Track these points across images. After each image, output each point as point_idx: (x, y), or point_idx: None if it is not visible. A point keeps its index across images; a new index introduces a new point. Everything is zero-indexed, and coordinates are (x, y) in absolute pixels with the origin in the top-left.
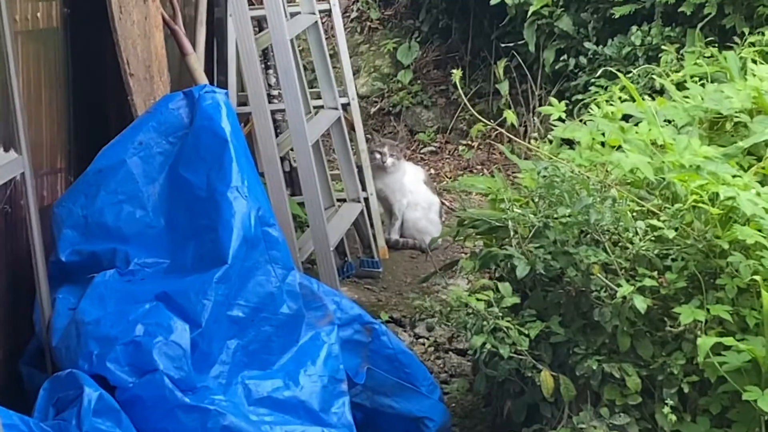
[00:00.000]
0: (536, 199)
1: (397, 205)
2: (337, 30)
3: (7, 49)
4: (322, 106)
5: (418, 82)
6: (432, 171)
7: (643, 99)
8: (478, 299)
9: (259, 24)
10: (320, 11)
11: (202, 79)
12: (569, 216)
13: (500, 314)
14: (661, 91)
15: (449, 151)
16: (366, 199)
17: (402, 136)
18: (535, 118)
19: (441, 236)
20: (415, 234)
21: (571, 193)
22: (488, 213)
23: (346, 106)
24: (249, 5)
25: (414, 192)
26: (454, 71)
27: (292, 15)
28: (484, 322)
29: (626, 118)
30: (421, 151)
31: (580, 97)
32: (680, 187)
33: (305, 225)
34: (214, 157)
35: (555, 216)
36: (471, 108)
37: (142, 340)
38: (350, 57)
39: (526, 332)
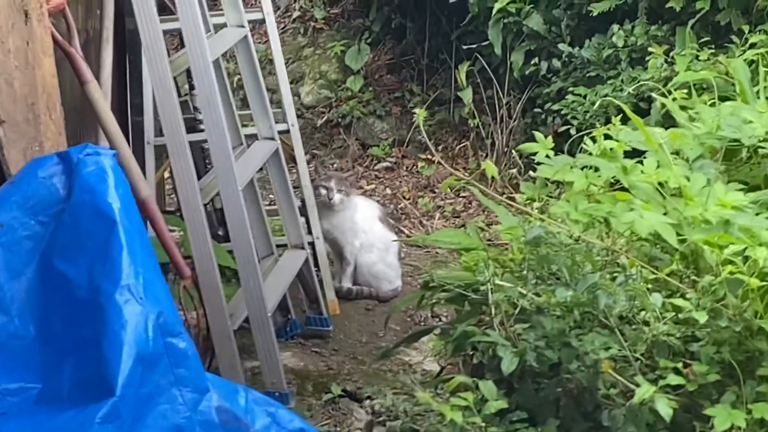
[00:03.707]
0: (524, 272)
1: (348, 248)
2: (273, 44)
3: None
4: (256, 135)
5: (370, 89)
6: (388, 191)
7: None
8: (453, 407)
9: (181, 37)
10: (251, 21)
11: (105, 112)
12: (570, 299)
13: (482, 424)
14: (650, 100)
15: (407, 167)
16: (311, 244)
17: (353, 151)
18: (502, 129)
19: (404, 304)
20: (370, 281)
21: (571, 269)
22: (461, 276)
23: (285, 133)
24: (162, 14)
25: (368, 231)
26: (418, 111)
27: (218, 27)
28: None
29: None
30: (375, 168)
31: (554, 107)
32: (709, 254)
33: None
34: (97, 244)
35: (551, 298)
36: (431, 116)
37: None
38: (293, 62)
39: None
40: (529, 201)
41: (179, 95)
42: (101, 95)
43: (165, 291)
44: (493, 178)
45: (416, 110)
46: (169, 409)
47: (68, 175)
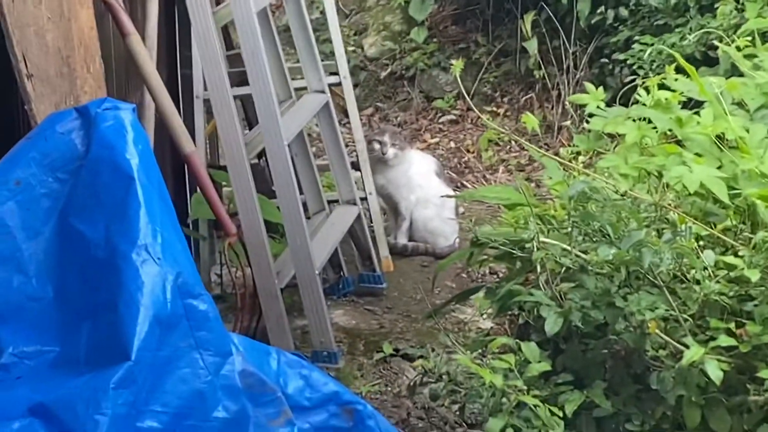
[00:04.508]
0: (569, 228)
1: (403, 203)
2: None
3: None
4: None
5: (434, 40)
6: (452, 144)
7: (698, 64)
8: (493, 370)
9: None
10: None
11: (147, 65)
12: (614, 257)
13: (524, 387)
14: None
15: (472, 120)
16: (364, 199)
17: (417, 104)
18: (568, 80)
19: (450, 261)
20: (426, 237)
21: (615, 226)
22: (508, 233)
23: (337, 86)
24: None
25: (424, 186)
26: (454, 62)
27: None
28: (504, 399)
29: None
30: (440, 121)
31: (620, 56)
32: (763, 209)
33: None
34: (114, 201)
35: (595, 256)
36: (496, 67)
37: None
38: (357, 13)
39: (560, 410)
40: (574, 155)
41: (232, 47)
42: (143, 48)
43: (184, 251)
44: (560, 129)
45: (483, 61)
46: (189, 373)
47: (87, 130)
